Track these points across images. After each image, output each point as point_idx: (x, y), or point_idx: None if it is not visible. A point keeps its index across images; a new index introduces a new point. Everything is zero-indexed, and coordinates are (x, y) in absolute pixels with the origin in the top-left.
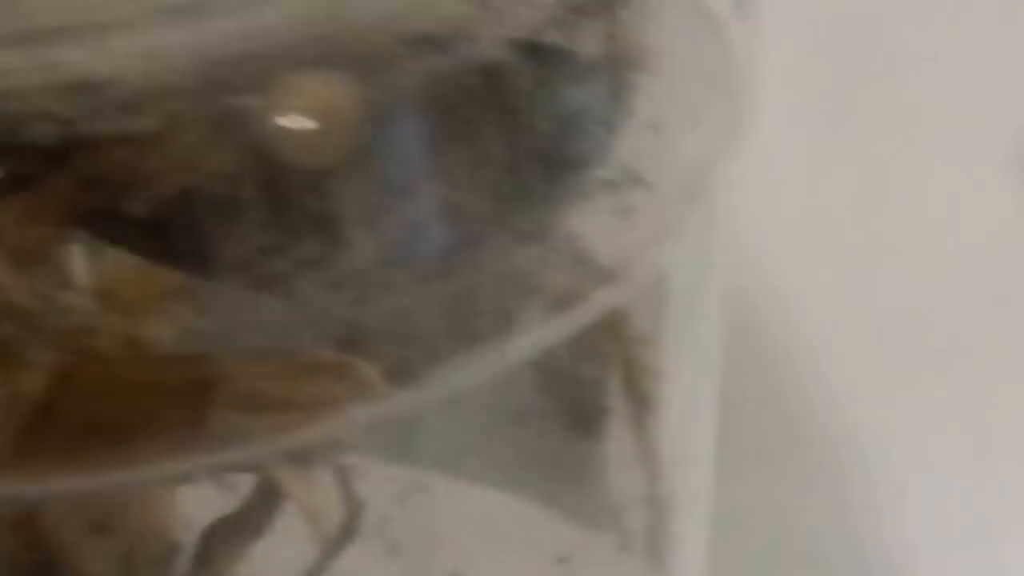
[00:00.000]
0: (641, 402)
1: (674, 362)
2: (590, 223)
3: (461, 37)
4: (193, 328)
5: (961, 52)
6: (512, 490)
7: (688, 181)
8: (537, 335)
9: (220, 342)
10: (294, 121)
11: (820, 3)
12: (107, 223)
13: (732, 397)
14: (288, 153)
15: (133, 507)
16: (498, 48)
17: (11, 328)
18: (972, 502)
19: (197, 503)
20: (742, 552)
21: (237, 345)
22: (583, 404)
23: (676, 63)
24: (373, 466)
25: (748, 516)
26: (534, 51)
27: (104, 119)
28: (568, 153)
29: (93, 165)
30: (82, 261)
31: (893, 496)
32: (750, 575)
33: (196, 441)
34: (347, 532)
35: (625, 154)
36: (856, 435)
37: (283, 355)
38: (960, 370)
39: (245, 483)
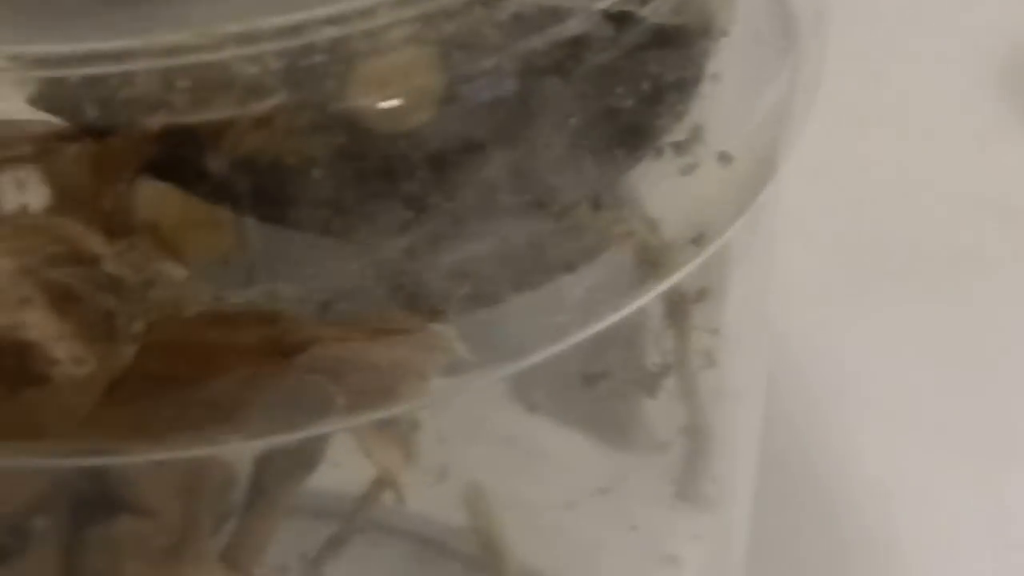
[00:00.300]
0: (703, 359)
1: (732, 317)
2: (664, 185)
3: (550, 13)
4: (275, 291)
5: None
6: (559, 421)
7: (757, 145)
8: (617, 303)
9: (303, 306)
10: (379, 94)
11: None
12: (184, 175)
13: None
14: (372, 123)
15: None
16: (583, 20)
17: (110, 301)
18: None
19: None
20: None
21: (318, 308)
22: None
23: (743, 30)
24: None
25: None
26: (615, 21)
27: (206, 103)
28: (646, 119)
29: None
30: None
31: None
32: None
33: (279, 405)
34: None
35: (696, 117)
36: None
37: (366, 320)
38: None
39: None
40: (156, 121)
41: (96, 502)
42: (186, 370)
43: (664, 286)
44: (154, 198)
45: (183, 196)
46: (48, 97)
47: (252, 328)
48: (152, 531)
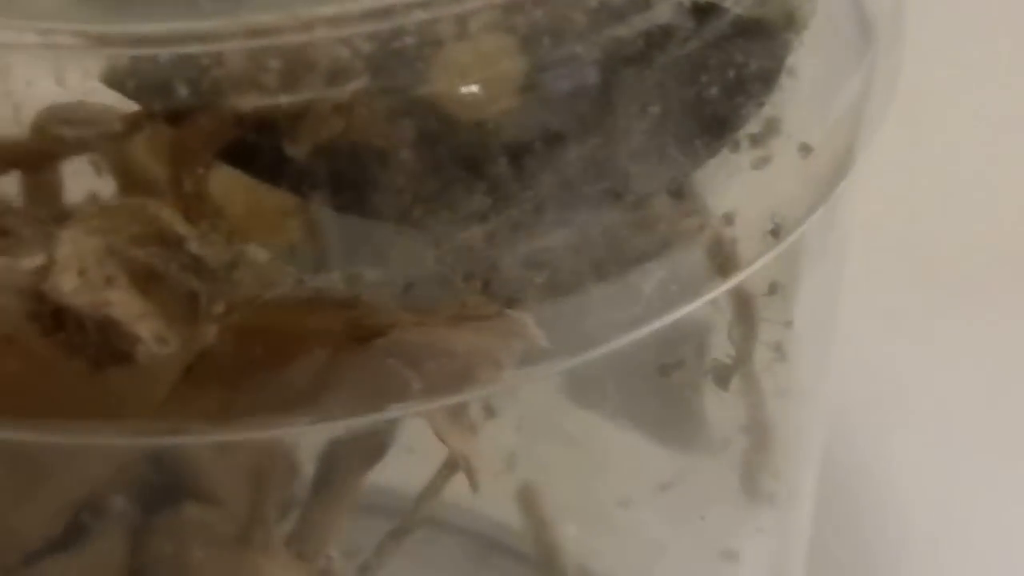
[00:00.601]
0: (772, 353)
1: (802, 312)
2: (740, 177)
3: (636, 4)
4: (356, 276)
5: None
6: (622, 420)
7: (836, 138)
8: (689, 296)
9: (382, 291)
10: (461, 81)
11: None
12: (262, 160)
13: None
14: (453, 110)
15: None
16: (668, 12)
17: (193, 281)
18: None
19: None
20: None
21: (397, 293)
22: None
23: (823, 23)
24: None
25: None
26: (699, 11)
27: (294, 85)
28: (725, 110)
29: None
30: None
31: None
32: None
33: (356, 389)
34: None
35: (774, 109)
36: None
37: (444, 306)
38: None
39: None
40: (246, 102)
41: (164, 487)
42: (264, 353)
43: (738, 279)
44: (223, 184)
45: (251, 183)
46: (133, 77)
47: (331, 312)
48: (219, 518)
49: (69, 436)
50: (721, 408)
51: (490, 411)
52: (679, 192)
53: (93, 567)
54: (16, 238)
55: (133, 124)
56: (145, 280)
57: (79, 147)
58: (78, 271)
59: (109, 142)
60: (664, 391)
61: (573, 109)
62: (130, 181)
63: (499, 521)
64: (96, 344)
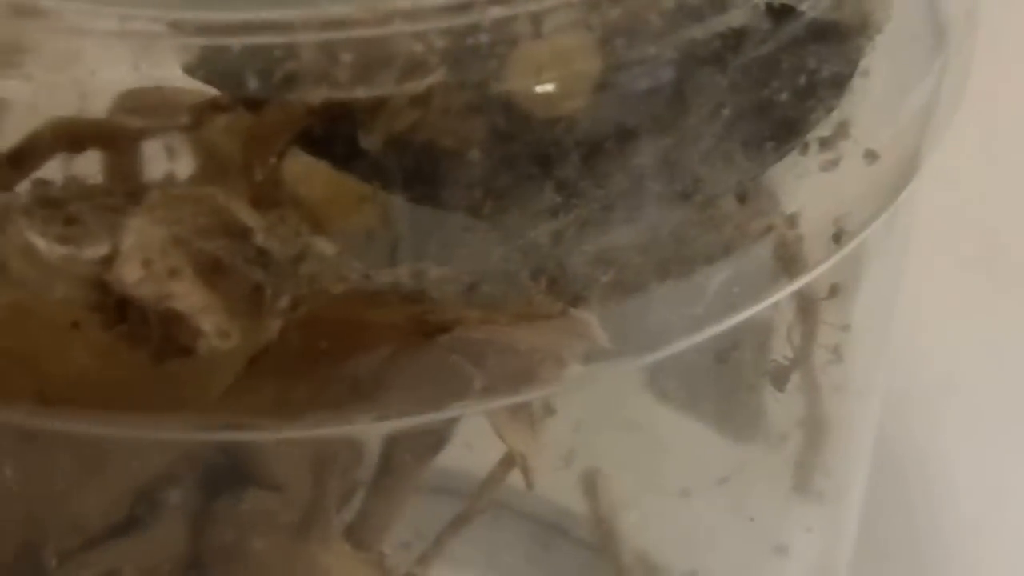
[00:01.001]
0: (830, 354)
1: (861, 315)
2: (807, 180)
3: (713, 3)
4: (422, 271)
5: None
6: (685, 411)
7: (902, 143)
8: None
9: (448, 287)
10: (536, 78)
11: None
12: (336, 150)
13: None
14: (527, 106)
15: None
16: (745, 14)
17: (259, 274)
18: None
19: None
20: None
21: (463, 289)
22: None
23: (896, 27)
24: None
25: None
26: (776, 14)
27: (368, 79)
28: (797, 113)
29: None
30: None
31: None
32: None
33: (418, 385)
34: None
35: (844, 113)
36: None
37: (509, 303)
38: None
39: None
40: (318, 95)
41: (225, 476)
42: (328, 346)
43: (802, 282)
44: (301, 172)
45: (329, 172)
46: (207, 65)
47: (396, 307)
48: (279, 507)
49: (129, 429)
50: (779, 402)
51: (549, 409)
52: (746, 193)
53: (153, 553)
54: (83, 227)
55: (213, 110)
56: (210, 272)
57: (156, 130)
58: (143, 262)
59: (188, 127)
60: (723, 381)
61: (646, 109)
62: (208, 166)
63: (561, 506)
64: (158, 336)
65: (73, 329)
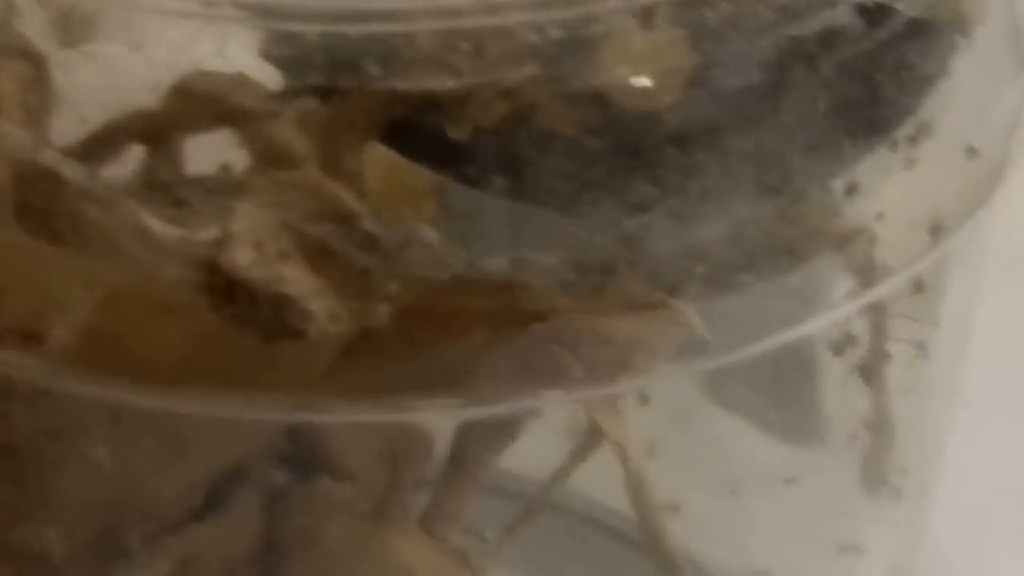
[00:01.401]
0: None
1: (943, 312)
2: (897, 177)
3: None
4: (523, 260)
5: None
6: (747, 416)
7: (997, 142)
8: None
9: (546, 276)
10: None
11: None
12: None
13: None
14: (621, 100)
15: None
16: (844, 12)
17: (367, 259)
18: None
19: None
20: None
21: (560, 279)
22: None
23: (987, 27)
24: None
25: None
26: (872, 13)
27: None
28: (888, 110)
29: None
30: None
31: None
32: None
33: (515, 373)
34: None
35: (936, 111)
36: None
37: (605, 293)
38: None
39: None
40: (440, 83)
41: (302, 462)
42: (425, 332)
43: (897, 280)
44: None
45: (390, 161)
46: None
47: (493, 295)
48: (353, 495)
49: (215, 408)
50: (844, 404)
51: (644, 398)
52: (836, 190)
53: (230, 537)
54: (191, 210)
55: (284, 100)
56: (319, 256)
57: (223, 119)
58: (254, 245)
59: (258, 117)
60: (783, 388)
61: (740, 104)
62: (270, 157)
63: (603, 503)
64: (267, 319)
65: (165, 311)
